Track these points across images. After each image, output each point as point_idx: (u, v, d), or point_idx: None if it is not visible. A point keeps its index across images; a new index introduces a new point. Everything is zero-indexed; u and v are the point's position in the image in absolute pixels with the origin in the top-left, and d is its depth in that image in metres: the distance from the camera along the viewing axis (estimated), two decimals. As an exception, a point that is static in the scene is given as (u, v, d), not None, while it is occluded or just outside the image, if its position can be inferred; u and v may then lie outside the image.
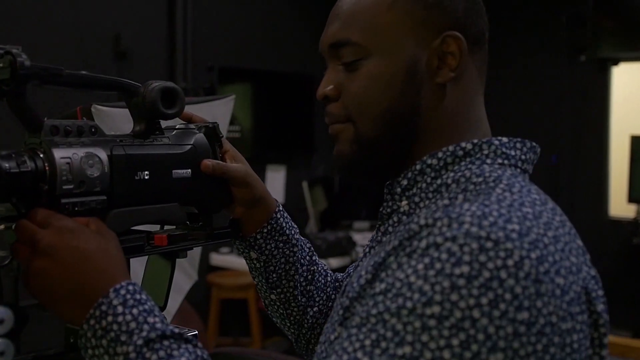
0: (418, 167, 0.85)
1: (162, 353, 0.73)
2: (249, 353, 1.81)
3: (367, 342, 0.68)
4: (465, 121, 0.87)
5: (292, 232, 1.08)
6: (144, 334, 0.74)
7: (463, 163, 0.83)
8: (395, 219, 0.87)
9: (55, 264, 0.76)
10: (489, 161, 0.82)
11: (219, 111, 1.76)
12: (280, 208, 1.07)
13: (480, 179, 0.79)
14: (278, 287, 1.07)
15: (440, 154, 0.84)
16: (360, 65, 0.86)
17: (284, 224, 1.06)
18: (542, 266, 0.69)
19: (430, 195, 0.83)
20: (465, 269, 0.67)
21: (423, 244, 0.71)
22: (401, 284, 0.70)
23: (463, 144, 0.84)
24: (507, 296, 0.67)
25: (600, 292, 0.77)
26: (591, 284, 0.75)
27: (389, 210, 0.88)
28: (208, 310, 4.11)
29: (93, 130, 0.85)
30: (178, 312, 3.06)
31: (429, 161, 0.84)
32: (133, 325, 0.74)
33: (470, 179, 0.79)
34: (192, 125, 1.00)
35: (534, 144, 0.86)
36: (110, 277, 0.77)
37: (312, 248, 1.13)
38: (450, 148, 0.84)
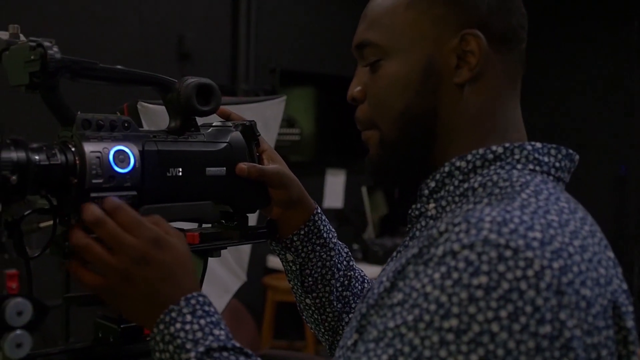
0: (446, 169, 0.82)
1: None
2: (290, 356, 1.79)
3: (385, 357, 0.66)
4: (491, 123, 0.83)
5: (330, 235, 1.05)
6: (207, 343, 0.76)
7: (492, 167, 0.79)
8: (423, 222, 0.84)
9: (142, 274, 0.78)
10: (519, 166, 0.78)
11: (270, 112, 1.75)
12: (319, 211, 1.05)
13: (507, 184, 0.75)
14: (313, 291, 1.05)
15: (469, 157, 0.81)
16: (380, 66, 0.85)
17: (321, 227, 1.04)
18: (566, 277, 0.65)
19: (457, 199, 0.80)
20: (483, 279, 0.64)
21: (440, 251, 0.68)
22: (417, 294, 0.67)
23: (494, 147, 0.80)
24: (528, 309, 0.63)
25: (631, 308, 0.72)
26: (621, 298, 0.71)
27: (417, 212, 0.86)
28: (263, 312, 4.12)
29: (126, 125, 0.84)
30: (231, 312, 3.09)
31: (457, 163, 0.81)
32: (199, 334, 0.77)
33: (497, 183, 0.76)
34: (229, 123, 0.98)
35: (570, 151, 0.82)
36: (183, 287, 0.80)
37: (349, 253, 1.11)
38: (481, 151, 0.80)
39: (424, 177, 0.85)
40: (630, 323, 0.71)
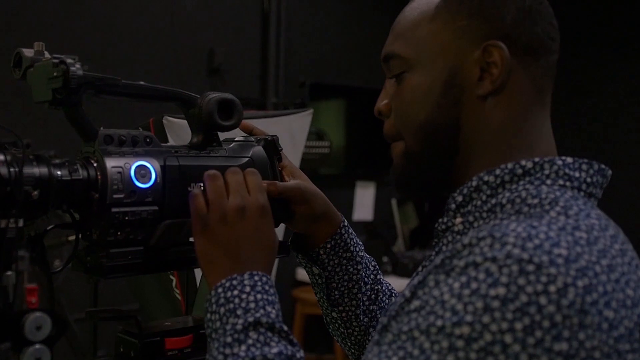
0: (474, 183, 0.81)
1: (262, 338, 0.77)
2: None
3: (395, 359, 0.65)
4: (517, 137, 0.82)
5: (357, 249, 1.05)
6: (257, 315, 0.79)
7: (521, 182, 0.78)
8: (449, 237, 0.83)
9: (242, 228, 0.84)
10: (549, 182, 0.77)
11: (296, 125, 1.76)
12: (345, 224, 1.04)
13: (536, 201, 0.73)
14: (340, 304, 1.04)
15: (498, 171, 0.79)
16: (404, 78, 0.85)
17: (348, 240, 1.03)
18: (590, 296, 0.63)
19: (484, 215, 0.78)
20: (501, 290, 0.63)
21: (462, 262, 0.67)
22: (435, 301, 0.66)
23: (523, 162, 0.78)
24: (545, 324, 0.62)
25: None
26: None
27: (443, 227, 0.84)
28: (292, 325, 4.11)
29: (148, 140, 0.85)
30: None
31: (485, 178, 0.80)
32: (252, 305, 0.79)
33: (526, 200, 0.74)
34: (251, 138, 0.99)
35: (602, 166, 0.80)
36: (255, 263, 0.84)
37: (377, 266, 1.10)
38: (509, 165, 0.79)
39: (447, 190, 0.84)
40: None
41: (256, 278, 0.82)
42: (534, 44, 0.81)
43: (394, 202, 4.62)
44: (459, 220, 0.82)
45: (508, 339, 0.62)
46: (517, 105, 0.81)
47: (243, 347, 0.76)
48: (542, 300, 0.62)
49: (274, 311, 0.81)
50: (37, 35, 3.10)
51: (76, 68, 0.77)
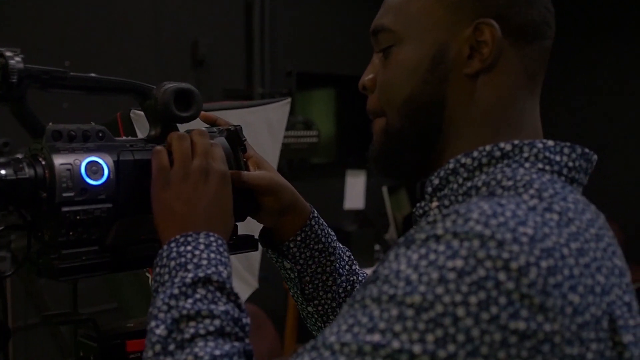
0: (451, 165, 0.77)
1: (210, 295, 0.74)
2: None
3: (344, 327, 0.62)
4: (503, 119, 0.78)
5: (329, 239, 1.01)
6: (208, 272, 0.76)
7: (499, 165, 0.74)
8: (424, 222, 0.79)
9: (203, 190, 0.82)
10: (527, 165, 0.73)
11: (274, 114, 1.72)
12: (315, 214, 1.01)
13: (510, 183, 0.70)
14: (315, 298, 1.01)
15: (475, 153, 0.76)
16: (391, 52, 0.82)
17: (319, 232, 1.00)
18: (554, 277, 0.60)
19: (460, 198, 0.75)
20: (459, 263, 0.60)
21: (423, 235, 0.64)
22: (390, 271, 0.64)
23: (502, 144, 0.75)
24: (502, 300, 0.59)
25: (632, 322, 0.66)
26: (620, 311, 0.65)
27: (420, 211, 0.81)
28: (285, 317, 4.09)
29: (100, 135, 0.81)
30: (250, 319, 3.06)
31: (462, 160, 0.76)
32: (204, 262, 0.77)
33: (501, 182, 0.71)
34: (214, 129, 0.95)
35: (586, 150, 0.76)
36: (213, 226, 0.82)
37: (352, 257, 1.07)
38: (488, 148, 0.75)
39: (428, 172, 0.81)
40: (627, 338, 0.65)
41: (212, 239, 0.80)
42: (527, 27, 0.78)
43: (384, 189, 4.58)
44: (434, 204, 0.79)
45: (460, 312, 0.59)
46: (505, 87, 0.78)
47: (189, 300, 0.73)
48: (501, 276, 0.59)
49: (225, 272, 0.78)
50: (14, 30, 3.06)
51: (16, 61, 0.73)
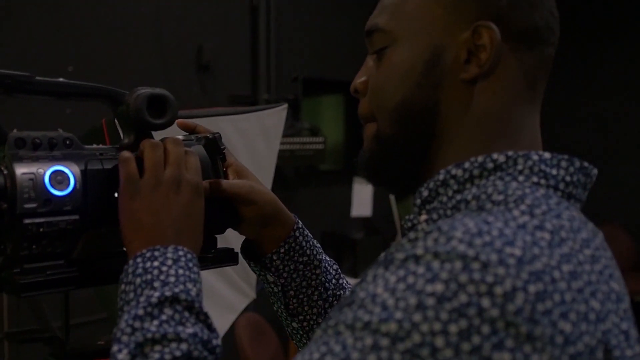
0: (441, 177, 0.72)
1: (177, 316, 0.70)
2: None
3: (316, 355, 0.58)
4: (498, 129, 0.73)
5: (314, 252, 0.97)
6: (176, 290, 0.71)
7: (491, 177, 0.69)
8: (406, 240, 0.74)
9: (174, 200, 0.78)
10: (521, 178, 0.68)
11: (270, 121, 1.68)
12: (300, 225, 0.96)
13: (501, 197, 0.65)
14: (300, 314, 0.97)
15: (467, 164, 0.71)
16: (385, 53, 0.77)
17: (304, 244, 0.95)
18: (542, 304, 0.55)
19: (449, 212, 0.70)
20: (439, 287, 0.55)
21: (402, 255, 0.59)
22: (366, 294, 0.59)
23: (495, 155, 0.70)
24: (485, 329, 0.53)
25: (630, 352, 0.61)
26: (617, 340, 0.60)
27: (409, 224, 0.76)
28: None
29: (68, 142, 0.77)
30: (252, 328, 3.01)
31: (453, 171, 0.71)
32: (172, 279, 0.72)
33: (491, 196, 0.66)
34: (192, 137, 0.91)
35: (585, 164, 0.71)
36: (183, 239, 0.78)
37: (339, 270, 1.02)
38: (480, 159, 0.70)
39: (419, 182, 0.76)
40: None
41: (180, 253, 0.76)
42: (530, 32, 0.72)
43: (392, 197, 4.54)
44: (423, 217, 0.73)
45: (439, 342, 0.54)
46: (503, 94, 0.73)
47: (155, 322, 0.69)
48: (485, 302, 0.54)
49: (194, 289, 0.73)
50: (20, 36, 3.04)
51: (-27, 65, 0.69)
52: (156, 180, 0.78)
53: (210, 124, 1.51)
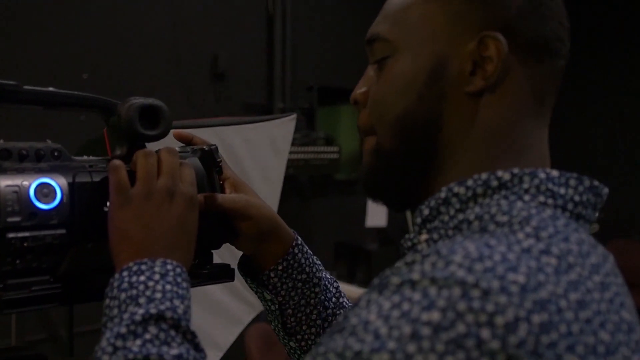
0: (443, 194, 0.68)
1: (162, 335, 0.67)
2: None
3: None
4: (504, 145, 0.69)
5: (314, 269, 0.93)
6: (162, 307, 0.68)
7: (496, 196, 0.65)
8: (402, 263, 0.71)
9: (166, 211, 0.75)
10: (527, 197, 0.64)
11: (278, 131, 1.65)
12: (299, 242, 0.93)
13: (505, 219, 0.61)
14: (297, 333, 0.93)
15: (470, 182, 0.67)
16: (386, 64, 0.73)
17: (302, 261, 0.92)
18: (547, 336, 0.51)
19: (450, 232, 0.66)
20: (435, 316, 0.51)
21: (398, 280, 0.55)
22: (358, 320, 0.55)
23: (500, 173, 0.66)
24: None
25: None
26: None
27: (409, 244, 0.72)
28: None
29: (56, 154, 0.75)
30: (262, 338, 2.98)
31: (455, 189, 0.67)
32: (158, 295, 0.69)
33: (495, 216, 0.62)
34: (188, 148, 0.88)
35: (596, 182, 0.67)
36: (173, 252, 0.75)
37: (339, 289, 0.99)
38: (484, 176, 0.66)
39: (420, 199, 0.72)
40: None
41: (169, 267, 0.72)
42: (538, 43, 0.69)
43: (407, 207, 4.49)
44: (424, 237, 0.69)
45: None
46: (510, 109, 0.69)
47: (138, 342, 0.65)
48: (484, 333, 0.50)
49: (182, 307, 0.70)
50: (37, 42, 3.05)
51: (-46, 73, 0.66)
52: (148, 190, 0.76)
53: (215, 134, 1.49)
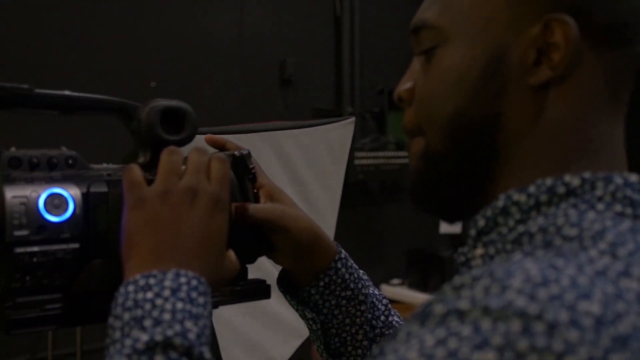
0: (500, 203, 0.59)
1: None
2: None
3: None
4: (574, 145, 0.59)
5: (359, 285, 0.85)
6: (169, 333, 0.57)
7: (563, 205, 0.55)
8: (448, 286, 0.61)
9: (186, 213, 0.66)
10: (600, 206, 0.54)
11: (335, 135, 1.57)
12: (343, 255, 0.85)
13: (575, 232, 0.51)
14: (342, 354, 0.86)
15: (532, 189, 0.57)
16: (435, 55, 0.64)
17: (346, 276, 0.84)
18: None
19: (508, 246, 0.56)
20: (490, 356, 0.41)
21: (443, 309, 0.46)
22: (396, 358, 0.45)
23: (568, 178, 0.56)
24: None
25: None
26: None
27: (463, 259, 0.62)
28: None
29: (70, 162, 0.69)
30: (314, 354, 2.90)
31: (515, 197, 0.58)
32: (167, 317, 0.59)
33: (562, 229, 0.52)
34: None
35: None
36: (190, 260, 0.64)
37: (389, 305, 0.90)
38: (548, 181, 0.57)
39: (475, 208, 0.62)
40: None
41: (182, 280, 0.62)
42: (614, 27, 0.59)
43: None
44: (479, 251, 0.60)
45: None
46: (580, 103, 0.59)
47: None
48: None
49: (195, 329, 0.59)
50: (103, 51, 3.08)
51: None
52: (165, 189, 0.67)
53: (267, 139, 1.43)
